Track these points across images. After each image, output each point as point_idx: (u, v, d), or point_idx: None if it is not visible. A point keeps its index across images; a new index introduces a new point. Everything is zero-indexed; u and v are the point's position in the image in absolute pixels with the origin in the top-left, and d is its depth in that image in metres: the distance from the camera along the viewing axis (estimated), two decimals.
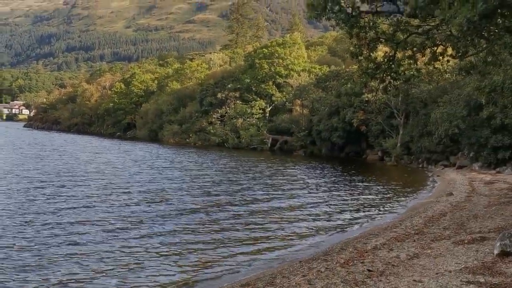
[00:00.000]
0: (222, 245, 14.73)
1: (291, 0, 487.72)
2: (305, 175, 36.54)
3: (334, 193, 27.22)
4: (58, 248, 13.77)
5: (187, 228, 16.99)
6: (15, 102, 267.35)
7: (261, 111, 72.10)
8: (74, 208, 19.70)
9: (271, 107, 72.79)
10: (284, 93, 72.94)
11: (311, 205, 22.83)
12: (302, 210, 21.40)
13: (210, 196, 24.49)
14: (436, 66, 22.23)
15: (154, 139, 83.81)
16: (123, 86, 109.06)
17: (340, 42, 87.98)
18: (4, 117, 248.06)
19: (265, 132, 67.59)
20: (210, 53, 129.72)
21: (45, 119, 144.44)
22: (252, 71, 75.75)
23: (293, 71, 73.18)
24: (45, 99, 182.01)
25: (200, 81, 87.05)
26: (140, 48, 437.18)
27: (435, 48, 19.19)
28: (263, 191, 26.99)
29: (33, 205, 20.01)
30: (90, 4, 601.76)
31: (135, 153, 54.57)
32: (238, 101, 73.45)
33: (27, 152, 49.41)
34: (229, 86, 75.29)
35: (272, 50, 75.53)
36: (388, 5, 18.47)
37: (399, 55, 19.79)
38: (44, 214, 18.27)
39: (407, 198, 25.90)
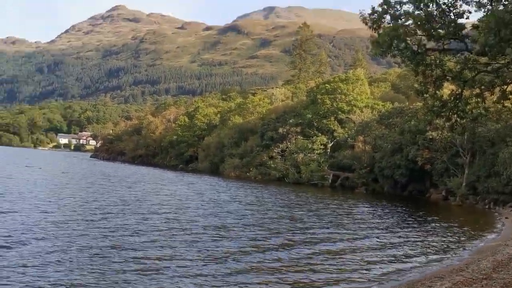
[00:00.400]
0: None
1: (354, 36, 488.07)
2: (368, 214, 35.89)
3: (397, 233, 26.60)
4: (130, 285, 13.99)
5: (253, 267, 16.89)
6: (83, 133, 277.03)
7: (322, 147, 71.70)
8: (143, 242, 19.97)
9: (332, 143, 72.35)
10: (346, 129, 72.49)
11: (375, 245, 22.40)
12: (366, 251, 20.98)
13: (273, 233, 24.21)
14: (505, 104, 21.63)
15: (215, 172, 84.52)
16: (186, 119, 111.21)
17: (404, 79, 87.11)
18: (72, 147, 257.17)
19: (326, 168, 67.11)
20: (273, 88, 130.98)
21: (110, 150, 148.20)
22: (314, 107, 75.79)
23: (355, 107, 72.74)
24: (111, 131, 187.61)
25: (261, 116, 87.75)
26: (204, 83, 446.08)
27: (505, 86, 18.70)
28: (326, 229, 26.63)
29: (102, 238, 20.35)
30: (157, 39, 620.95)
31: (198, 186, 55.16)
32: (299, 136, 73.39)
33: (97, 183, 50.83)
34: (291, 121, 75.47)
35: (335, 86, 75.46)
36: (456, 43, 18.21)
37: (466, 93, 19.40)
38: (113, 248, 18.50)
39: (473, 240, 24.99)
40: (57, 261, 15.92)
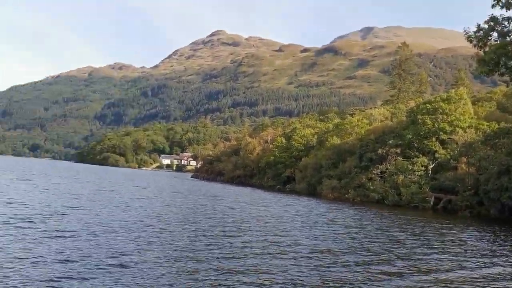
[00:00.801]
0: None
1: (456, 54, 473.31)
2: (480, 240, 33.50)
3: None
4: None
5: None
6: (184, 154, 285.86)
7: (423, 168, 69.61)
8: (249, 266, 19.93)
9: (434, 164, 70.07)
10: (448, 150, 70.06)
11: (496, 275, 21.03)
12: (486, 282, 19.68)
13: (381, 259, 23.31)
14: None
15: (313, 193, 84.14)
16: (284, 140, 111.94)
17: (511, 98, 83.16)
18: (174, 168, 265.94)
19: (427, 190, 65.06)
20: (371, 108, 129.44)
21: (210, 171, 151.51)
22: (414, 127, 73.90)
23: (458, 128, 70.21)
24: (211, 151, 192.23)
25: (360, 136, 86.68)
26: (301, 104, 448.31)
27: None
28: (436, 255, 25.41)
29: (208, 260, 20.57)
30: (255, 62, 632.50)
31: (297, 207, 55.01)
32: (399, 157, 71.79)
33: (198, 203, 52.27)
34: (390, 141, 74.00)
35: (436, 106, 73.32)
36: None
37: None
38: (217, 271, 18.66)
39: None
40: (169, 285, 16.42)
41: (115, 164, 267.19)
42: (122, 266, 18.40)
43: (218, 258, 21.10)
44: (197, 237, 26.71)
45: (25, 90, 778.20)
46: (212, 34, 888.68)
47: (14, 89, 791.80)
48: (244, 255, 22.23)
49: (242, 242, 25.71)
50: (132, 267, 18.33)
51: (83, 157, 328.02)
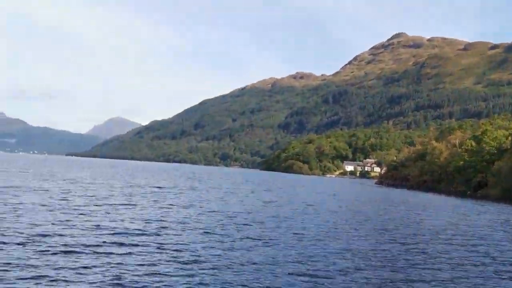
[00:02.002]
0: None
1: None
2: None
3: None
4: None
5: None
6: (367, 160, 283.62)
7: None
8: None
9: None
10: None
11: None
12: None
13: None
14: None
15: (508, 198, 78.93)
16: (473, 143, 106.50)
17: None
18: (358, 174, 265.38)
19: None
20: None
21: (395, 177, 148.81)
22: None
23: None
24: (395, 157, 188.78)
25: None
26: (491, 104, 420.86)
27: None
28: None
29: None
30: (439, 62, 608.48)
31: (493, 215, 52.06)
32: None
33: (389, 211, 52.16)
34: None
35: None
36: None
37: None
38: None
39: None
40: None
41: (299, 172, 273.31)
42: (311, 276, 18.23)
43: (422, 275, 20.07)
44: (393, 246, 25.77)
45: (214, 103, 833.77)
46: (392, 37, 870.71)
47: (205, 102, 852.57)
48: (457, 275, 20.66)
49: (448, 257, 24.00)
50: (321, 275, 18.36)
51: (269, 165, 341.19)
